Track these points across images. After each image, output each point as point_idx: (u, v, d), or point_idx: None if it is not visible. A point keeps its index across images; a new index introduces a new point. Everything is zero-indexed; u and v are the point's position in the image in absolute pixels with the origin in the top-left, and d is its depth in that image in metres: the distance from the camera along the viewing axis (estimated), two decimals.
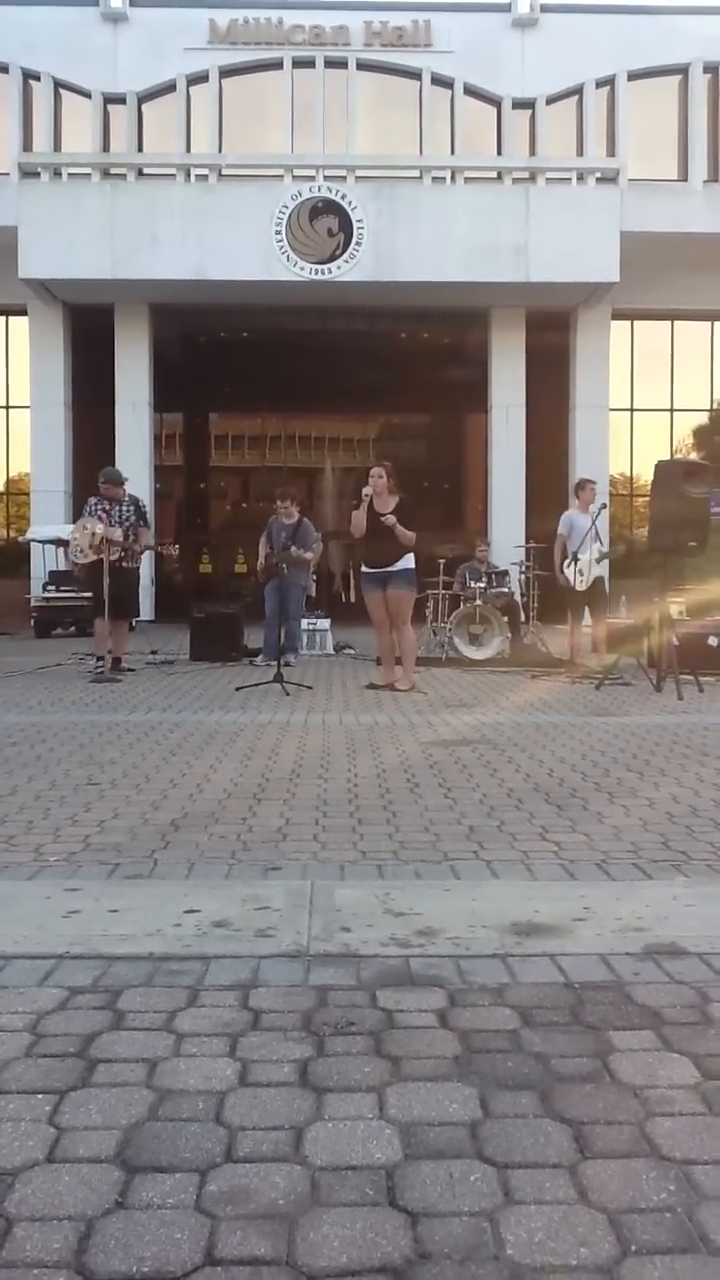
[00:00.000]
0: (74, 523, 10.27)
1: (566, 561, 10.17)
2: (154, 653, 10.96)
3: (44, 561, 15.49)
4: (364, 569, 8.88)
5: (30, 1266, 1.47)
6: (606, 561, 10.34)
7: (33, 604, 15.00)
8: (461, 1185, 1.64)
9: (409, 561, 8.68)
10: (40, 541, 15.40)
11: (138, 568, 10.14)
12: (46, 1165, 1.71)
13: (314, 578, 12.85)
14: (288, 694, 8.19)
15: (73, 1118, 1.85)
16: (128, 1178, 1.67)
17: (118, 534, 9.68)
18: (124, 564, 9.78)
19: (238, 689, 8.51)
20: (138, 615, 9.87)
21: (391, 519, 8.47)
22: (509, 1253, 1.49)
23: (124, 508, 9.90)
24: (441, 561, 11.78)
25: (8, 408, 19.11)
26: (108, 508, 9.81)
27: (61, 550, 10.41)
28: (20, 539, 17.59)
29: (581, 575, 10.16)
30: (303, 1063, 2.05)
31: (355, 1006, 2.31)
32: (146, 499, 17.13)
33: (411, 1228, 1.54)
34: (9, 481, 19.84)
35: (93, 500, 9.99)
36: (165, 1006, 2.31)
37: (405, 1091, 1.93)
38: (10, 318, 18.49)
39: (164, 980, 2.45)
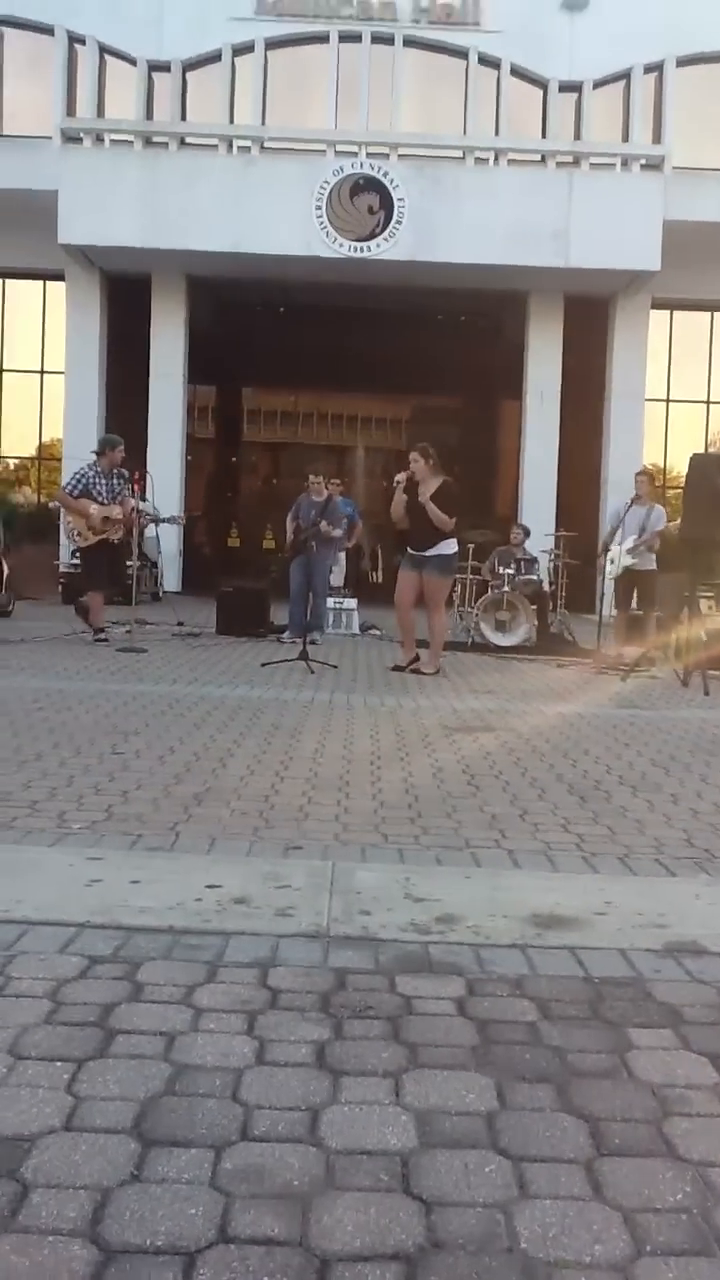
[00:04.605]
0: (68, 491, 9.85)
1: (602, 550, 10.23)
2: (180, 624, 10.99)
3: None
4: (408, 550, 8.92)
5: (46, 1233, 1.48)
6: (640, 554, 10.22)
7: (61, 570, 15.04)
8: (476, 1176, 1.64)
9: (445, 548, 8.69)
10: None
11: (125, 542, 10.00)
12: (64, 1133, 1.72)
13: (348, 544, 12.85)
14: (313, 672, 8.19)
15: (90, 1087, 1.86)
16: (144, 1150, 1.68)
17: (117, 512, 9.69)
18: (116, 540, 9.81)
19: (263, 665, 8.52)
20: (122, 588, 9.88)
21: (424, 498, 8.48)
22: (522, 1246, 1.48)
23: (116, 480, 9.81)
24: (471, 546, 11.71)
25: (43, 373, 19.07)
26: (107, 482, 9.71)
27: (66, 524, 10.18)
28: (50, 505, 17.62)
29: (612, 564, 10.15)
30: (320, 1044, 2.05)
31: (373, 990, 2.31)
32: (177, 470, 17.28)
33: (425, 1216, 1.54)
34: (42, 447, 19.86)
35: (89, 474, 9.73)
36: (184, 980, 2.31)
37: (422, 1078, 1.93)
38: (49, 283, 18.45)
39: (183, 954, 2.46)
